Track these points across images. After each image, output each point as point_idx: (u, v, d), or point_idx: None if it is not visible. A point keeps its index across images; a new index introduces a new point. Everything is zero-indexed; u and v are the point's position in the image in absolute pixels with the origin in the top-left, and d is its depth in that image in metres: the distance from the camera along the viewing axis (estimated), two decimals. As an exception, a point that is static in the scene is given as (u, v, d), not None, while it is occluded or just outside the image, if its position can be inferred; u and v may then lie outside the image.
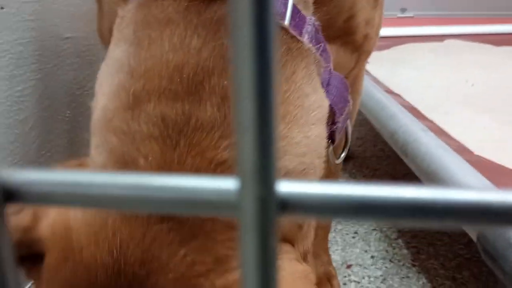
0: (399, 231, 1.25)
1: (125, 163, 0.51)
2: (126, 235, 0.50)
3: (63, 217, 0.54)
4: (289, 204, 0.21)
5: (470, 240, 1.20)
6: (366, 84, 1.36)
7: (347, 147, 0.78)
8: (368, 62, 0.82)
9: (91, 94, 0.59)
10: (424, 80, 1.47)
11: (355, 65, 0.74)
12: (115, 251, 0.50)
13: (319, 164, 0.59)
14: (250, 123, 0.19)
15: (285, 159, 0.54)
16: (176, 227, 0.50)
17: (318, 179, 0.59)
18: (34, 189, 0.24)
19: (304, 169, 0.56)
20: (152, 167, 0.50)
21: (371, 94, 1.26)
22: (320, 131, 0.58)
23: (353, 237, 1.23)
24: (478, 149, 1.01)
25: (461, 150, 0.97)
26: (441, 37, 1.93)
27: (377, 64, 1.51)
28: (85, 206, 0.24)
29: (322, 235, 1.01)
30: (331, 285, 1.00)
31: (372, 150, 1.73)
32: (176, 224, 0.50)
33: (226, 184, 0.21)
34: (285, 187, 0.20)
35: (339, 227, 1.27)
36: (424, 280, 1.07)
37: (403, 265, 1.12)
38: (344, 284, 1.06)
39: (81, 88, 1.03)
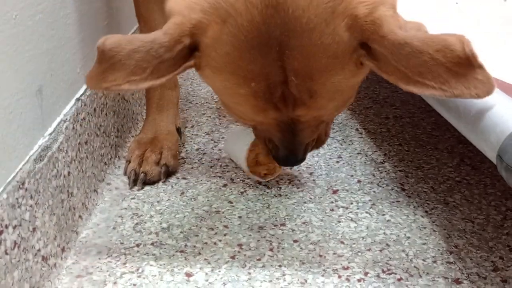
0: (384, 154, 1.19)
1: None
2: None
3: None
4: None
5: (459, 163, 1.15)
6: None
7: None
8: None
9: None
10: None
11: None
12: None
13: None
14: None
15: None
16: None
17: None
18: None
19: None
20: None
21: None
22: None
23: (337, 162, 1.16)
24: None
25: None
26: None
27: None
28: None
29: None
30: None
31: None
32: None
33: None
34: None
35: (322, 151, 1.20)
36: (415, 204, 1.01)
37: (392, 189, 1.06)
38: (332, 210, 1.00)
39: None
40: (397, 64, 0.64)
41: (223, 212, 0.99)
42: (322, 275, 0.84)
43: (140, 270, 0.84)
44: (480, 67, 0.62)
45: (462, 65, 0.61)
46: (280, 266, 0.86)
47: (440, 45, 0.62)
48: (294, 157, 0.84)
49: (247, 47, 0.67)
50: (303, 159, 0.87)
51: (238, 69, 0.69)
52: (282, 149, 0.83)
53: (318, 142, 0.89)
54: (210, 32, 0.67)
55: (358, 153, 1.20)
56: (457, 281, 0.83)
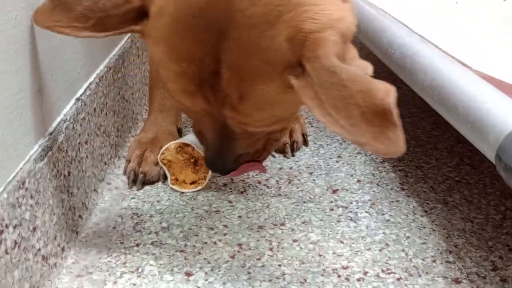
0: (384, 154, 1.19)
1: None
2: None
3: None
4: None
5: (458, 163, 1.15)
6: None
7: None
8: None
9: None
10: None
11: None
12: None
13: None
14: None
15: None
16: None
17: None
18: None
19: None
20: None
21: (357, 7, 1.16)
22: None
23: (337, 161, 1.16)
24: (475, 64, 0.94)
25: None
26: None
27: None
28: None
29: None
30: (299, 121, 1.22)
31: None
32: None
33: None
34: None
35: (321, 151, 1.20)
36: (415, 204, 1.02)
37: (391, 189, 1.07)
38: (331, 209, 1.00)
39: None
40: (319, 90, 0.61)
41: (222, 212, 0.99)
42: (322, 275, 0.84)
43: (140, 270, 0.84)
44: (395, 124, 0.59)
45: (377, 115, 0.59)
46: (279, 265, 0.86)
47: (365, 87, 0.60)
48: (223, 163, 0.81)
49: (186, 24, 0.66)
50: (232, 170, 0.84)
51: (174, 44, 0.68)
52: (212, 150, 0.81)
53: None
54: (159, 0, 0.67)
55: (357, 153, 1.20)
56: (457, 280, 0.83)
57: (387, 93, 0.59)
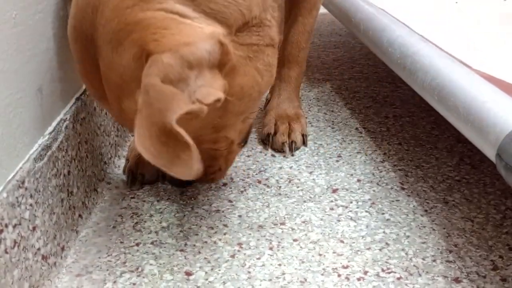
0: (384, 153, 1.19)
1: None
2: None
3: None
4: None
5: (458, 162, 1.15)
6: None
7: None
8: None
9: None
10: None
11: None
12: None
13: None
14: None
15: None
16: None
17: None
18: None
19: None
20: None
21: (357, 6, 1.16)
22: None
23: (337, 161, 1.16)
24: (475, 64, 0.94)
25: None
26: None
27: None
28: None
29: (294, 83, 1.24)
30: (300, 122, 1.22)
31: (349, 72, 1.65)
32: None
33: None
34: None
35: (321, 150, 1.20)
36: (415, 203, 1.01)
37: (391, 188, 1.06)
38: (331, 209, 1.00)
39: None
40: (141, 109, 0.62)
41: (223, 211, 0.99)
42: (322, 274, 0.84)
43: (139, 269, 0.84)
44: (185, 144, 0.58)
45: (169, 134, 0.59)
46: (279, 265, 0.86)
47: (164, 105, 0.59)
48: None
49: (76, 13, 0.74)
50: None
51: (69, 22, 0.77)
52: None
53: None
54: None
55: (357, 152, 1.20)
56: (457, 280, 0.83)
57: (174, 111, 0.59)
